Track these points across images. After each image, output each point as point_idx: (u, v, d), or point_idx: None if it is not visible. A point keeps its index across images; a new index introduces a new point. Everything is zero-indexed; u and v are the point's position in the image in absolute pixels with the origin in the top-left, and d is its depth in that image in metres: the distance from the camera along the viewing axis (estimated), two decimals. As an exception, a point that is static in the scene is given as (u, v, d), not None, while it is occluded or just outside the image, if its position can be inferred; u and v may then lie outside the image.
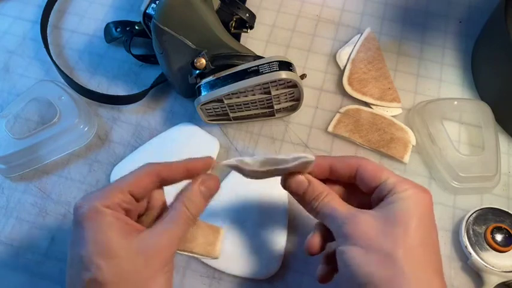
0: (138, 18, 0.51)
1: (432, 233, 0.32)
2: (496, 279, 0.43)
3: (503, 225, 0.45)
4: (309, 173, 0.36)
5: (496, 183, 0.49)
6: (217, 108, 0.49)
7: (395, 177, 0.34)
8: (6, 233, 0.47)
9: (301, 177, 0.35)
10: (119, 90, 0.56)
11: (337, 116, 0.53)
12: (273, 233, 0.46)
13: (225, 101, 0.47)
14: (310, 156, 0.34)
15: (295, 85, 0.47)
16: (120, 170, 0.49)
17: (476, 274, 0.45)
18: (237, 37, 0.55)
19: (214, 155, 0.50)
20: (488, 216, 0.46)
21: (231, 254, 0.45)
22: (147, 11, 0.50)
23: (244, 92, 0.47)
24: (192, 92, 0.48)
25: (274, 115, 0.52)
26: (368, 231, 0.31)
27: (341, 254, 0.32)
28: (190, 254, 0.38)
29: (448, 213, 0.48)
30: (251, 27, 0.53)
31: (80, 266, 0.30)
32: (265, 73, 0.45)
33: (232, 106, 0.49)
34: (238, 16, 0.51)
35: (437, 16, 0.62)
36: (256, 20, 0.54)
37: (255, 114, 0.52)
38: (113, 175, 0.49)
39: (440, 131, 0.50)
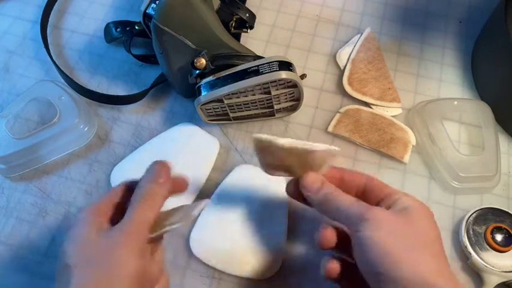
0: (138, 18, 0.51)
1: (439, 236, 0.35)
2: (496, 279, 0.43)
3: (503, 225, 0.45)
4: None
5: (496, 183, 0.49)
6: (217, 108, 0.49)
7: (400, 192, 0.37)
8: (6, 233, 0.47)
9: (317, 175, 0.38)
10: (119, 90, 0.56)
11: (337, 116, 0.53)
12: (273, 233, 0.46)
13: (225, 101, 0.47)
14: (337, 148, 0.36)
15: (295, 85, 0.47)
16: (120, 170, 0.49)
17: (476, 274, 0.45)
18: (237, 37, 0.55)
19: (214, 155, 0.50)
20: (488, 216, 0.46)
21: (231, 254, 0.45)
22: (147, 11, 0.50)
23: (244, 92, 0.47)
24: (192, 92, 0.48)
25: (274, 115, 0.52)
26: (389, 217, 0.34)
27: (365, 238, 0.33)
28: (169, 229, 0.36)
29: (448, 213, 0.48)
30: (251, 27, 0.54)
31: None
32: (265, 73, 0.45)
33: (232, 106, 0.49)
34: (238, 16, 0.51)
35: (437, 16, 0.62)
36: (256, 20, 0.54)
37: (255, 114, 0.52)
38: (113, 175, 0.49)
39: (440, 131, 0.50)
